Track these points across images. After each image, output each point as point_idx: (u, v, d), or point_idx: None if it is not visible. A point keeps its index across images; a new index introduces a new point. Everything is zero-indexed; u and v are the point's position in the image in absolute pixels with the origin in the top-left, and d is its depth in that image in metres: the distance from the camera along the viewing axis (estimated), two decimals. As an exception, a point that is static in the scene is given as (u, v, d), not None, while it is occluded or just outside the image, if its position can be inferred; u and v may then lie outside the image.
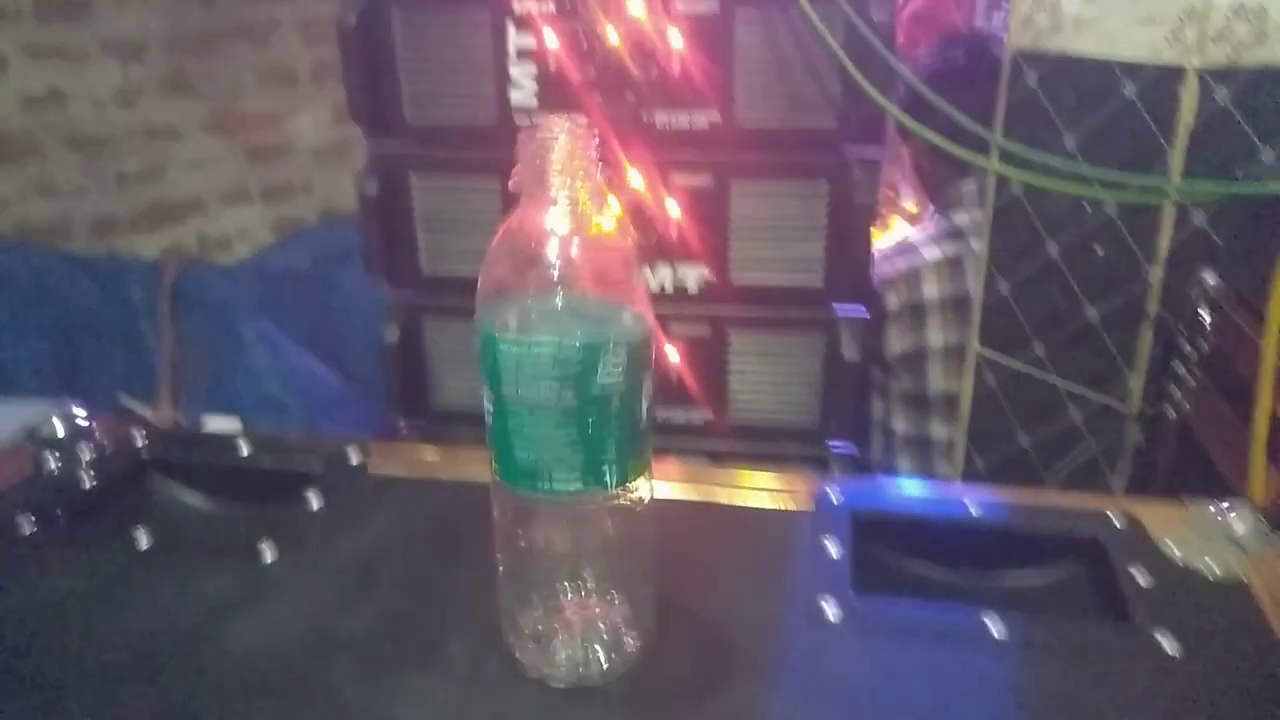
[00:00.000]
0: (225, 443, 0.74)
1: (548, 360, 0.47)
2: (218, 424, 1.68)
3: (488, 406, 0.50)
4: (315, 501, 0.68)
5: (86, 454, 0.72)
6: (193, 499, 0.73)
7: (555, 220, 0.48)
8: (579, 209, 0.48)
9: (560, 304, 0.48)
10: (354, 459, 0.73)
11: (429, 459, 0.75)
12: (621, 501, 0.51)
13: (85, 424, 0.75)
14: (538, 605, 0.53)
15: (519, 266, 0.48)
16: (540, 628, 0.53)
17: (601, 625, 0.53)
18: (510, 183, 0.48)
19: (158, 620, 0.57)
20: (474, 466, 0.73)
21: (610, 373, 0.48)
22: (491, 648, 0.55)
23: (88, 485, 0.70)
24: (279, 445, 0.75)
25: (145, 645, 0.55)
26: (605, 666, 0.53)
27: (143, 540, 0.64)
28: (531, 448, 0.49)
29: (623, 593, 0.54)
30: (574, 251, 0.48)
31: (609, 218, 0.49)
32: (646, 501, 0.53)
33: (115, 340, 2.24)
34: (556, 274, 0.48)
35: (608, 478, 0.50)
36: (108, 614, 0.58)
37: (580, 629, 0.53)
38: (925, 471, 1.39)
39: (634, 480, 0.51)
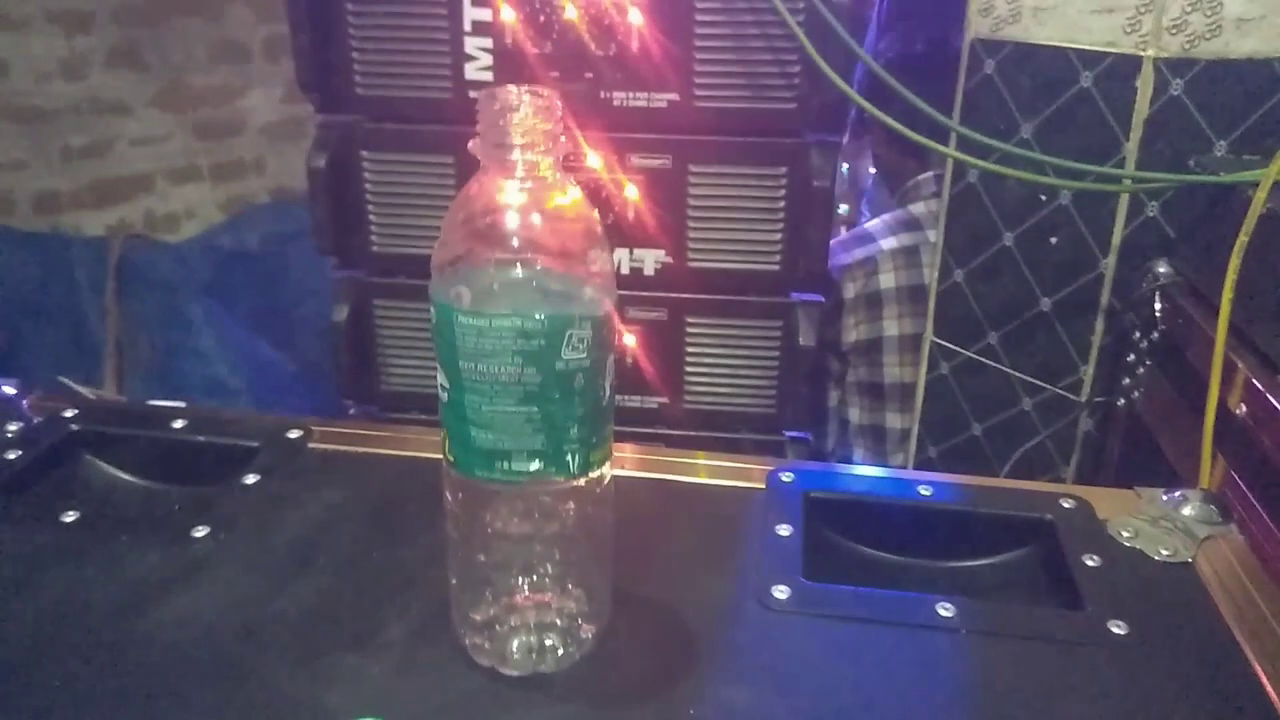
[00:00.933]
0: (159, 418, 0.72)
1: (510, 335, 0.45)
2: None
3: (442, 385, 0.48)
4: (251, 478, 0.65)
5: (13, 426, 0.69)
6: (124, 474, 0.70)
7: (517, 187, 0.46)
8: (543, 176, 0.46)
9: (522, 275, 0.46)
10: (293, 436, 0.70)
11: (371, 436, 0.73)
12: (581, 487, 0.49)
13: (13, 395, 0.73)
14: (491, 594, 0.51)
15: (478, 235, 0.46)
16: (494, 616, 0.51)
17: (556, 615, 0.52)
18: (470, 145, 0.46)
19: (81, 599, 0.55)
20: (418, 444, 0.71)
21: (576, 349, 0.46)
22: (433, 631, 0.53)
23: (13, 458, 0.67)
24: (215, 421, 0.72)
25: (67, 625, 0.53)
26: (560, 654, 0.51)
27: (69, 516, 0.61)
28: (490, 429, 0.47)
29: (579, 580, 0.52)
30: (537, 221, 0.46)
31: (573, 188, 0.47)
32: (606, 486, 0.51)
33: (58, 320, 2.18)
34: (519, 244, 0.45)
35: (570, 461, 0.48)
36: (29, 592, 0.55)
37: (534, 618, 0.51)
38: (879, 461, 1.39)
39: (596, 465, 0.49)
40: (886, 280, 1.34)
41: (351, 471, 0.68)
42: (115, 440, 0.71)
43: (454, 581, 0.52)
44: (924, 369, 1.18)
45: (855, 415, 1.40)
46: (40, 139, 2.15)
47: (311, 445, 0.70)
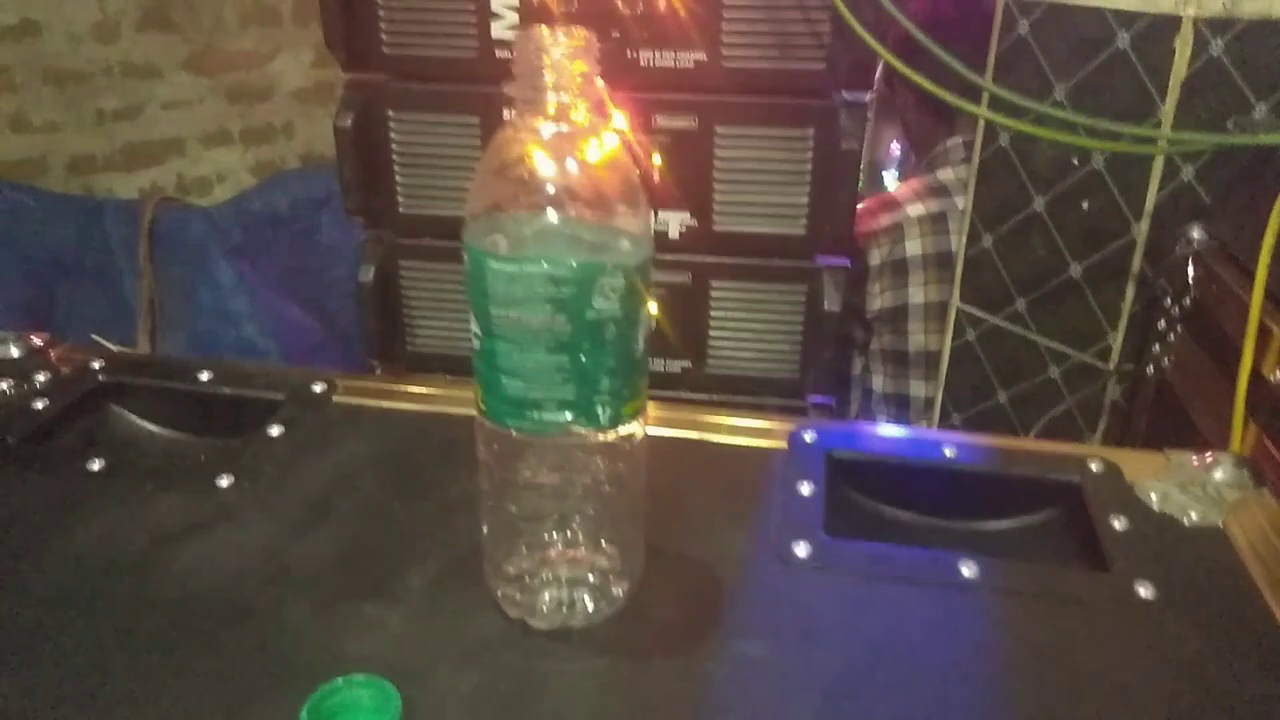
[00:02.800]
0: (185, 370, 0.72)
1: (541, 281, 0.44)
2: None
3: (474, 334, 0.47)
4: (275, 430, 0.66)
5: (41, 377, 0.70)
6: (149, 426, 0.71)
7: (552, 130, 0.45)
8: (577, 120, 0.45)
9: (556, 222, 0.45)
10: (317, 389, 0.71)
11: (394, 390, 0.73)
12: (612, 440, 0.49)
13: (41, 348, 0.73)
14: (524, 547, 0.51)
15: (512, 181, 0.45)
16: (526, 569, 0.51)
17: (589, 571, 0.52)
18: (504, 87, 0.45)
19: (106, 546, 0.56)
20: (441, 398, 0.71)
21: (607, 297, 0.45)
22: (452, 581, 0.53)
23: (40, 408, 0.67)
24: (240, 374, 0.73)
25: (93, 571, 0.54)
26: (591, 610, 0.51)
27: (95, 465, 0.62)
28: (520, 378, 0.46)
29: (612, 537, 0.52)
30: (572, 166, 0.45)
31: (611, 132, 0.46)
32: (639, 442, 0.51)
33: (91, 282, 2.21)
34: (552, 189, 0.45)
35: (599, 413, 0.47)
36: (55, 540, 0.56)
37: (567, 573, 0.51)
38: (904, 429, 1.38)
39: (627, 418, 0.49)
40: (913, 247, 1.32)
41: (374, 424, 0.68)
42: (141, 391, 0.71)
43: (486, 533, 0.52)
44: (949, 336, 1.17)
45: (879, 383, 1.39)
46: (73, 101, 2.16)
47: (335, 398, 0.71)
